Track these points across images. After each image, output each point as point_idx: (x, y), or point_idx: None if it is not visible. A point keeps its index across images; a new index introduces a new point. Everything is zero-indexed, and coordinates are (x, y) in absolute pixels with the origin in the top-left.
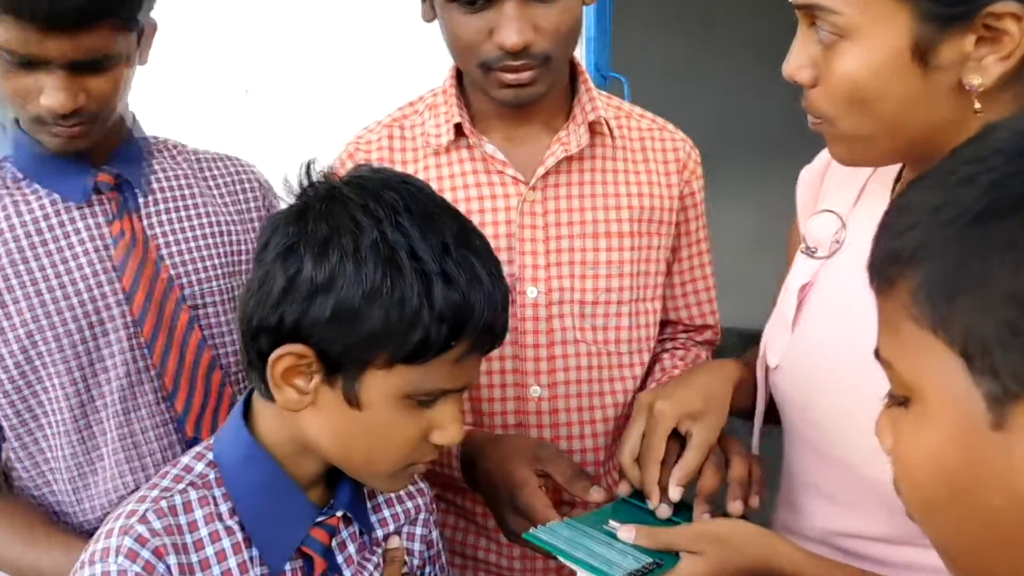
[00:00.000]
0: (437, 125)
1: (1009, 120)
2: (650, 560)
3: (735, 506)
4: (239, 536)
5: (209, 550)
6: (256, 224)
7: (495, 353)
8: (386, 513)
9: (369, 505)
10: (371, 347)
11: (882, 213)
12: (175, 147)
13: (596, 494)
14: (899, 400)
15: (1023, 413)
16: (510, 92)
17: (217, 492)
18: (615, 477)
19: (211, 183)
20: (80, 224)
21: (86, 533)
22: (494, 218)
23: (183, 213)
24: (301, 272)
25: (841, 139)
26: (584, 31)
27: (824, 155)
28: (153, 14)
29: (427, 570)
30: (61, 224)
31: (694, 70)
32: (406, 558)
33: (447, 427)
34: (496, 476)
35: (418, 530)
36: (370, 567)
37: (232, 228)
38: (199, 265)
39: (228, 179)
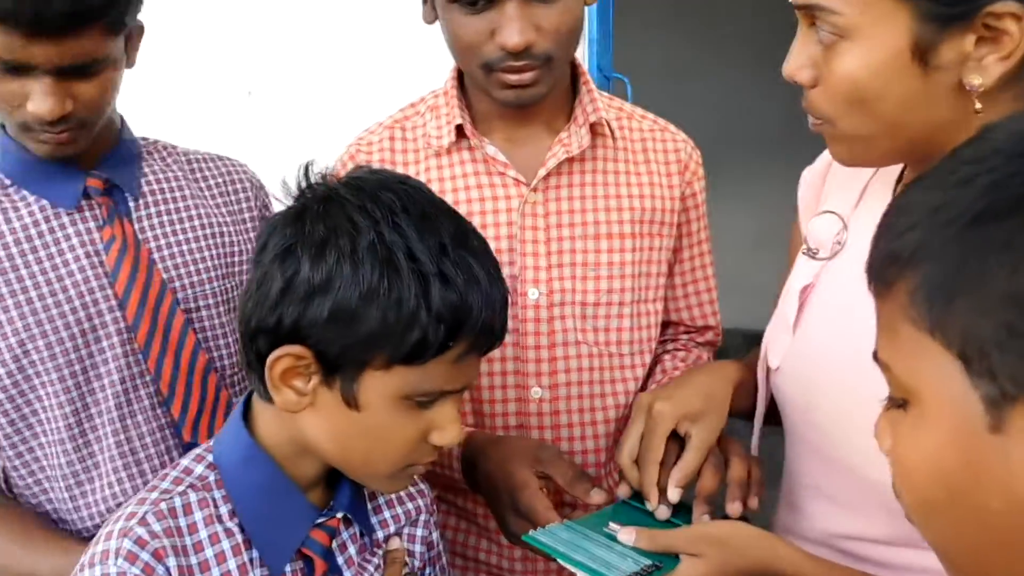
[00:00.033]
0: (438, 127)
1: (1008, 120)
2: (650, 562)
3: (734, 507)
4: (239, 538)
5: (209, 552)
6: (249, 224)
7: (496, 354)
8: (387, 514)
9: (370, 506)
10: (369, 348)
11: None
12: (165, 149)
13: (597, 496)
14: (898, 402)
15: (1021, 416)
16: (512, 93)
17: (217, 494)
18: (616, 478)
19: (202, 184)
20: (71, 230)
21: (85, 539)
22: (495, 219)
23: (175, 216)
24: (299, 273)
25: (841, 139)
26: (586, 32)
27: (826, 156)
28: (156, 16)
29: (427, 571)
30: (51, 231)
31: (696, 70)
32: (407, 559)
33: (446, 428)
34: (497, 478)
35: (419, 531)
36: (371, 568)
37: (225, 229)
38: (192, 268)
39: (220, 180)
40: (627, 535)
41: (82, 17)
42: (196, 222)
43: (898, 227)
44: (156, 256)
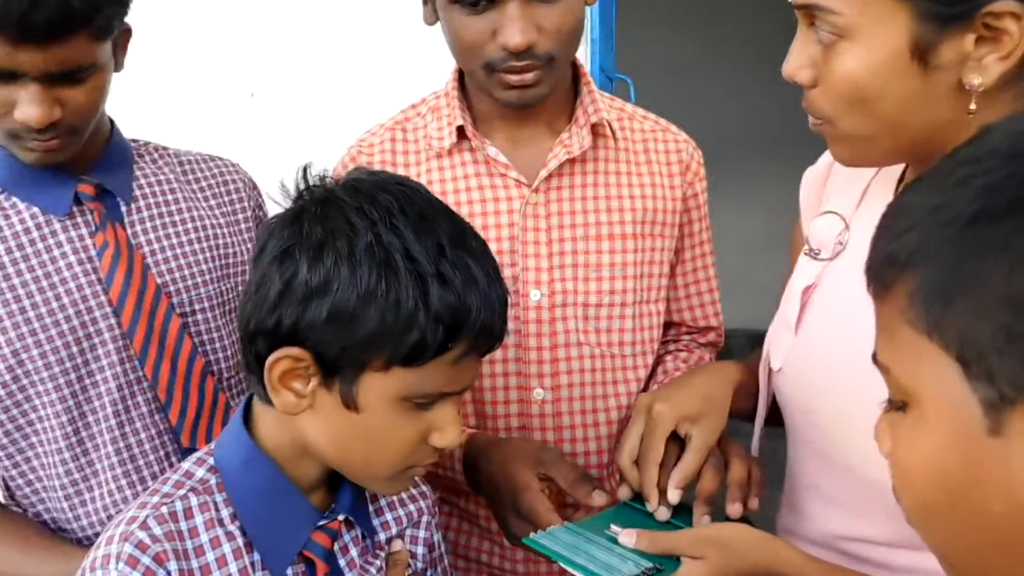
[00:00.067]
0: (439, 128)
1: (1007, 121)
2: (651, 565)
3: (734, 508)
4: (240, 541)
5: (210, 556)
6: (243, 225)
7: (498, 355)
8: (388, 516)
9: (372, 508)
10: (367, 349)
11: None
12: (156, 150)
13: (599, 498)
14: (897, 405)
15: (1020, 419)
16: (514, 93)
17: (218, 497)
18: (618, 480)
19: (195, 186)
20: (63, 237)
21: (85, 546)
22: (497, 221)
23: (168, 219)
24: (297, 275)
25: (842, 139)
26: (588, 32)
27: (827, 156)
28: (159, 18)
29: (429, 573)
30: (43, 238)
31: (700, 70)
32: (409, 561)
33: (446, 430)
34: (499, 479)
35: (421, 533)
36: (373, 571)
37: (219, 231)
38: (187, 272)
39: (213, 181)
40: (628, 537)
41: (68, 23)
42: (189, 224)
43: (896, 229)
44: (150, 260)
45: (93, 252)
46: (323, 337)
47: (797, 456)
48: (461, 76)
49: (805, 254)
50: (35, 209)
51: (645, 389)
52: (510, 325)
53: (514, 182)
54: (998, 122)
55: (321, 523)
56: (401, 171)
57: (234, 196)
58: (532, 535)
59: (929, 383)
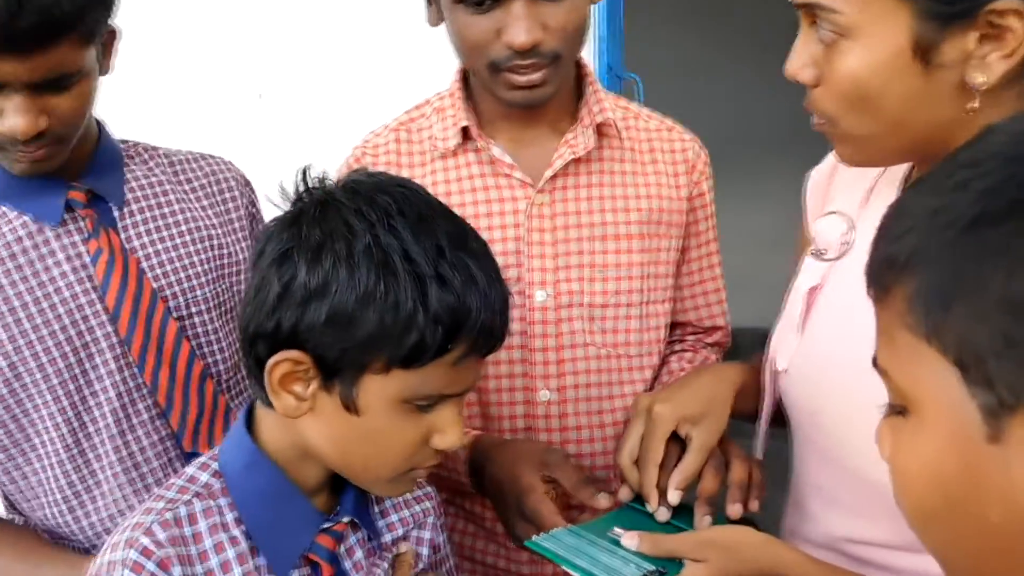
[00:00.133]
0: (444, 128)
1: (1008, 122)
2: (653, 567)
3: (734, 509)
4: (244, 546)
5: (214, 561)
6: (237, 224)
7: (504, 356)
8: (393, 518)
9: (376, 510)
10: (367, 351)
11: None
12: (147, 151)
13: (603, 500)
14: (897, 409)
15: (1020, 426)
16: (520, 94)
17: (222, 501)
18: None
19: (187, 187)
20: (55, 245)
21: (91, 554)
22: (502, 221)
23: (161, 222)
24: (295, 278)
25: (846, 139)
26: (595, 31)
27: (832, 156)
28: (167, 20)
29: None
30: (36, 247)
31: (708, 68)
32: (414, 561)
33: (447, 431)
34: (503, 482)
35: (425, 534)
36: (379, 573)
37: (213, 232)
38: (182, 275)
39: (205, 180)
40: (631, 539)
41: (52, 31)
42: (183, 227)
43: (895, 231)
44: (145, 265)
45: (87, 259)
46: (322, 339)
47: (801, 457)
48: (466, 77)
49: (810, 254)
50: (26, 218)
51: (651, 389)
52: (515, 326)
53: (519, 182)
54: (999, 123)
55: (325, 526)
56: (406, 172)
57: (227, 195)
58: (534, 537)
59: (928, 388)
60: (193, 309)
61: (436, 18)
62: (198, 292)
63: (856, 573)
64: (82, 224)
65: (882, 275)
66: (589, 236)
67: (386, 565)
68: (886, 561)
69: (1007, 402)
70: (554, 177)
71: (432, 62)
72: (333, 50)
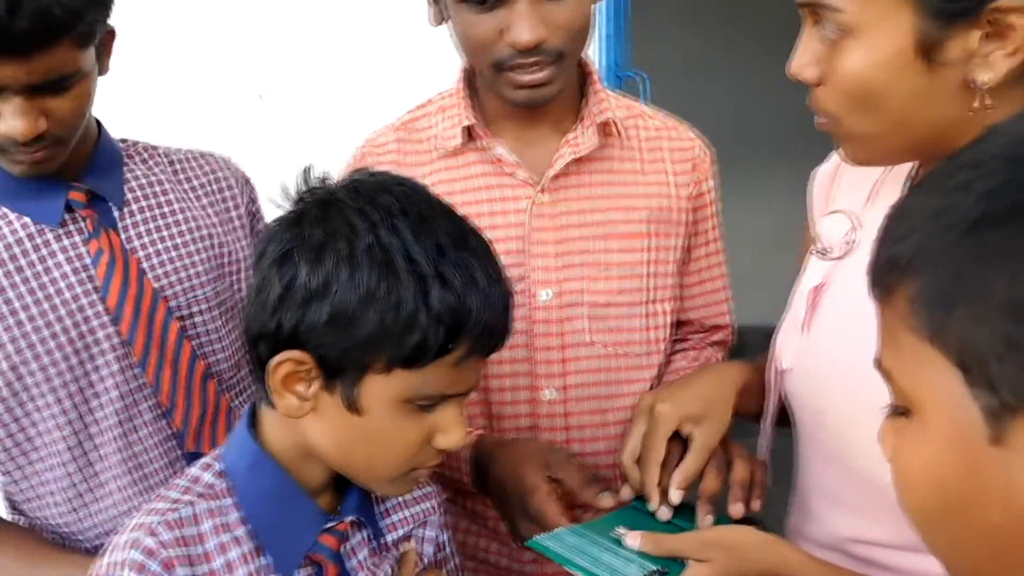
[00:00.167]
0: (447, 128)
1: (1009, 123)
2: (656, 567)
3: (736, 508)
4: (248, 546)
5: (218, 561)
6: (237, 223)
7: (508, 356)
8: (396, 517)
9: (379, 509)
10: (369, 351)
11: None
12: (146, 150)
13: (606, 500)
14: (900, 410)
15: (1023, 428)
16: (524, 93)
17: (226, 502)
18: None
19: (186, 186)
20: (56, 247)
21: (95, 555)
22: (505, 220)
23: (161, 222)
24: (297, 278)
25: (850, 138)
26: (600, 29)
27: (837, 155)
28: (167, 20)
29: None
30: (36, 248)
31: (713, 67)
32: (418, 559)
33: (449, 431)
34: (507, 481)
35: (428, 533)
36: (382, 573)
37: (214, 231)
38: (183, 274)
39: (205, 179)
40: (633, 539)
41: (49, 33)
42: (183, 226)
43: (897, 233)
44: (145, 265)
45: (88, 260)
46: (324, 339)
47: (805, 457)
48: (469, 76)
49: (813, 253)
50: (26, 219)
51: (655, 389)
52: (519, 325)
53: (522, 182)
54: (1001, 123)
55: (328, 525)
56: (409, 171)
57: (226, 193)
58: (536, 537)
59: (931, 389)
60: (194, 309)
61: (437, 18)
62: (199, 292)
63: (860, 573)
64: (82, 225)
65: (884, 276)
66: (592, 235)
67: (389, 565)
68: (890, 561)
69: (1009, 404)
70: (557, 176)
71: (435, 61)
72: (334, 50)
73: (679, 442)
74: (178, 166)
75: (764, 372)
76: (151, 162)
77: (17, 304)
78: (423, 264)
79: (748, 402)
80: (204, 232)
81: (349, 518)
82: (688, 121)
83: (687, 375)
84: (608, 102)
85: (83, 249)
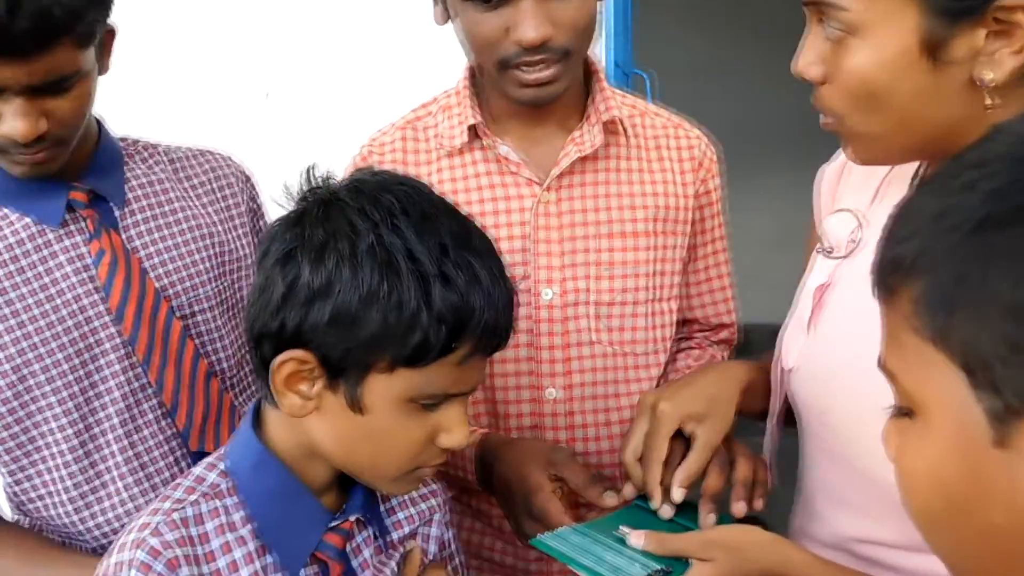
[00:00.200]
0: (451, 127)
1: (1014, 122)
2: (659, 567)
3: (738, 507)
4: (251, 546)
5: (221, 561)
6: (238, 220)
7: (511, 355)
8: (401, 515)
9: (384, 508)
10: (371, 351)
11: None
12: (147, 149)
13: (610, 499)
14: (904, 411)
15: None
16: (530, 91)
17: (229, 501)
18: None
19: (187, 184)
20: (57, 247)
21: (99, 555)
22: (509, 219)
23: (162, 220)
24: (299, 278)
25: (854, 138)
26: (604, 27)
27: (842, 154)
28: (174, 18)
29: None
30: (37, 249)
31: (718, 65)
32: (422, 557)
33: (453, 430)
34: (511, 480)
35: (432, 531)
36: (387, 571)
37: (215, 229)
38: (184, 273)
39: (206, 177)
40: (637, 538)
41: (48, 34)
42: (184, 224)
43: (901, 233)
44: (147, 265)
45: (89, 260)
46: (326, 339)
47: (810, 457)
48: (473, 74)
49: (818, 252)
50: (27, 220)
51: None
52: (523, 324)
53: (526, 181)
54: (1006, 123)
55: (333, 524)
56: (413, 170)
57: (227, 191)
58: (539, 536)
59: (935, 391)
60: (196, 308)
61: (443, 16)
62: (201, 290)
63: (864, 573)
64: (83, 225)
65: (888, 277)
66: (596, 234)
67: (394, 563)
68: (894, 561)
69: (1013, 407)
70: (561, 175)
71: (439, 60)
72: (340, 49)
73: (682, 441)
74: (178, 164)
75: (769, 371)
76: (151, 161)
77: (19, 305)
78: (425, 263)
79: (752, 401)
80: (205, 231)
81: (354, 516)
82: (693, 119)
83: (690, 374)
84: (613, 100)
85: (84, 249)
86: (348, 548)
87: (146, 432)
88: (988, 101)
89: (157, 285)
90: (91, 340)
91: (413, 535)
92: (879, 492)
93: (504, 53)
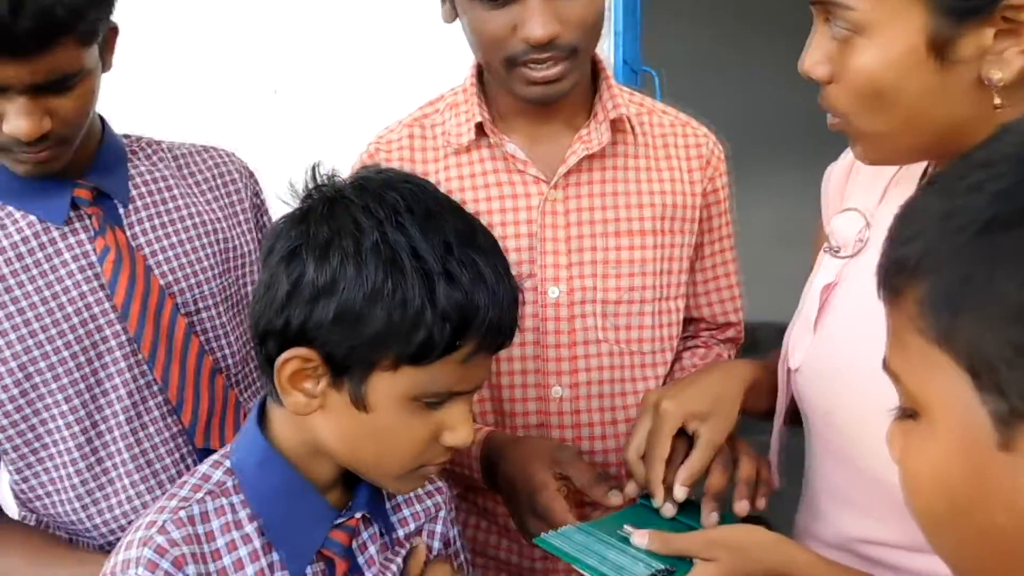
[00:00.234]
0: (458, 124)
1: (1022, 121)
2: (663, 566)
3: (741, 505)
4: (256, 544)
5: (228, 559)
6: (242, 216)
7: (517, 353)
8: (406, 512)
9: (389, 505)
10: (375, 349)
11: None
12: (150, 146)
13: (615, 498)
14: (908, 412)
15: None
16: (537, 89)
17: (235, 499)
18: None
19: (191, 180)
20: (62, 245)
21: (105, 552)
22: (515, 218)
23: (166, 218)
24: (304, 275)
25: (861, 137)
26: (611, 25)
27: (850, 153)
28: (183, 15)
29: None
30: (42, 247)
31: (726, 63)
32: (427, 554)
33: (457, 429)
34: (516, 479)
35: (437, 527)
36: (393, 567)
37: (219, 225)
38: (189, 270)
39: (209, 173)
40: (640, 538)
41: (52, 32)
42: (188, 221)
43: (906, 233)
44: (152, 262)
45: (94, 258)
46: (331, 337)
47: (815, 456)
48: (480, 72)
49: (825, 251)
50: (32, 218)
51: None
52: (529, 322)
53: (533, 179)
54: (1013, 122)
55: (339, 521)
56: (420, 168)
57: (231, 188)
58: (543, 535)
59: (939, 393)
60: (201, 304)
61: (450, 15)
62: (205, 287)
63: (868, 574)
64: (88, 222)
65: (893, 278)
66: (603, 232)
67: (399, 560)
68: (898, 562)
69: (1019, 410)
70: (568, 173)
71: (447, 58)
72: (348, 46)
73: (685, 439)
74: (182, 161)
75: (774, 370)
76: (155, 157)
77: (25, 303)
78: (430, 261)
79: (757, 400)
80: (210, 227)
81: (359, 513)
82: (701, 116)
83: (694, 372)
84: (621, 98)
85: (89, 247)
86: (354, 545)
87: (151, 429)
88: (996, 100)
89: (162, 282)
90: (96, 337)
91: (418, 532)
92: (883, 492)
93: (511, 51)
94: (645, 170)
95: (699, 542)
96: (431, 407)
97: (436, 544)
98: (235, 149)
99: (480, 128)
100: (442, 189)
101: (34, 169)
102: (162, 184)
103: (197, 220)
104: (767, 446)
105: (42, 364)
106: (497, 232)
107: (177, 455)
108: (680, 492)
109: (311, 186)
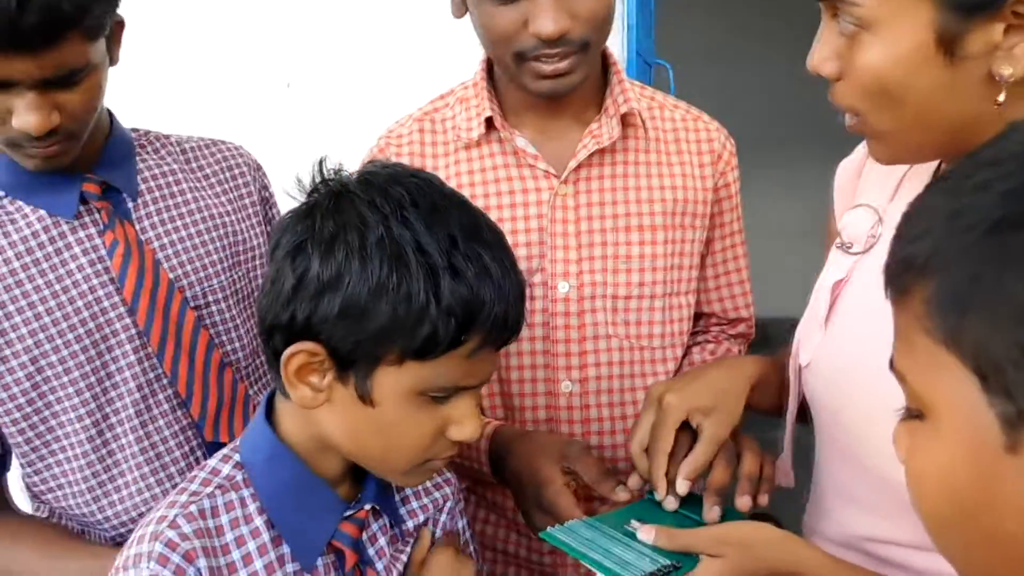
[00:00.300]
0: (468, 119)
1: None
2: (668, 562)
3: (743, 501)
4: (266, 537)
5: (238, 552)
6: (251, 210)
7: (526, 348)
8: (415, 504)
9: (398, 497)
10: (380, 343)
11: None
12: (158, 139)
13: (622, 494)
14: (914, 413)
15: None
16: (547, 83)
17: (245, 493)
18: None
19: (199, 174)
20: (71, 239)
21: (116, 544)
22: (525, 212)
23: (175, 211)
24: (309, 270)
25: (875, 136)
26: (624, 18)
27: (863, 148)
28: (196, 9)
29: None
30: (52, 241)
31: (739, 56)
32: (429, 538)
33: (463, 423)
34: (523, 473)
35: (444, 519)
36: (402, 558)
37: (227, 219)
38: (198, 264)
39: (218, 167)
40: (647, 533)
41: (58, 27)
42: (197, 215)
43: (913, 232)
44: (160, 256)
45: (103, 252)
46: (336, 331)
47: (823, 454)
48: (490, 67)
49: (837, 247)
50: (41, 212)
51: None
52: (538, 317)
53: (543, 173)
54: (1022, 120)
55: (348, 513)
56: (429, 162)
57: (239, 181)
58: (549, 529)
59: (946, 394)
60: (210, 298)
61: (461, 9)
62: (214, 281)
63: (875, 572)
64: (97, 216)
65: (900, 277)
66: (613, 227)
67: (409, 551)
68: (906, 560)
69: None
70: (578, 168)
71: (457, 53)
72: (360, 40)
73: (689, 433)
74: (190, 154)
75: (783, 366)
76: (163, 151)
77: (35, 297)
78: (435, 256)
79: (763, 396)
80: (218, 221)
81: (368, 505)
82: (712, 111)
83: (700, 367)
84: (631, 92)
85: (98, 241)
86: (363, 537)
87: (161, 422)
88: (1001, 97)
89: (171, 275)
90: (106, 331)
91: (427, 524)
92: (890, 491)
93: (521, 46)
94: (655, 164)
95: (706, 539)
96: (437, 401)
97: (441, 535)
98: (248, 143)
99: (490, 123)
100: (451, 184)
101: (43, 164)
102: (170, 178)
103: (206, 214)
104: (772, 442)
105: (52, 357)
106: (506, 227)
107: (186, 448)
108: (682, 486)
109: (317, 180)
